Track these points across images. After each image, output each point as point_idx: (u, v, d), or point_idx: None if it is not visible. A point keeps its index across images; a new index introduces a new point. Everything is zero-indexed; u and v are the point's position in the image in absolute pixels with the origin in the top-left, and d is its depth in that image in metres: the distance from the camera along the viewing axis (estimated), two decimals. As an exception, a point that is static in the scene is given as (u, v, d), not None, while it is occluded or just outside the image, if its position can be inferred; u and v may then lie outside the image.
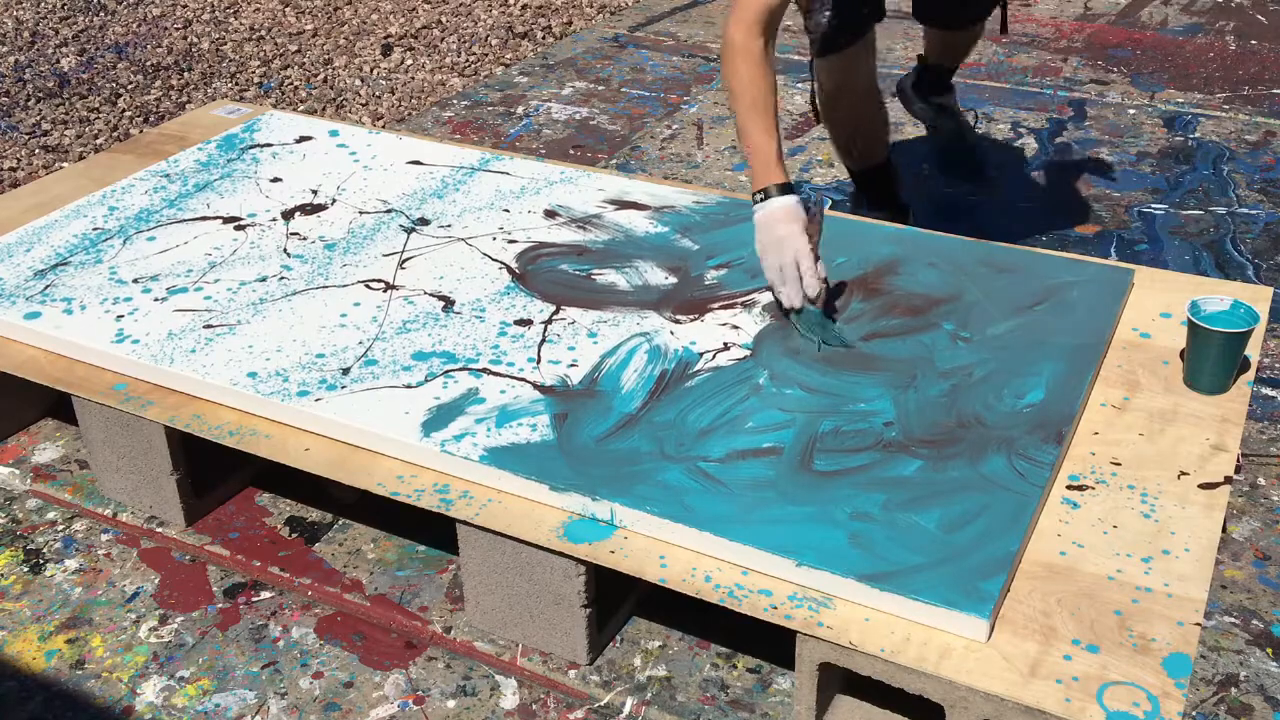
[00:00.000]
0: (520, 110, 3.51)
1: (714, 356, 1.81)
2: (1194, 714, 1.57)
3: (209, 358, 1.85)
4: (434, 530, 1.77)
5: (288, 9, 4.41)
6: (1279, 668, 1.64)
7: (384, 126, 3.40)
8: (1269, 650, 1.66)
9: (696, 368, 1.79)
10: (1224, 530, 1.83)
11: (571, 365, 1.80)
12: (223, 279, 2.06)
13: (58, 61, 3.93)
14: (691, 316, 1.91)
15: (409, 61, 3.93)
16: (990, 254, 2.07)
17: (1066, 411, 1.67)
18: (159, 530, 1.91)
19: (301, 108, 3.55)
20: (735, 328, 1.88)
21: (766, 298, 1.94)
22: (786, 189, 1.83)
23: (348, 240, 2.18)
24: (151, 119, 3.49)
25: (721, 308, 1.93)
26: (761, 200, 1.84)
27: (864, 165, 2.62)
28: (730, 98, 1.89)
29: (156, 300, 2.01)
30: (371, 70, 3.85)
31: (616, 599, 1.68)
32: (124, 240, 2.20)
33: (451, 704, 1.62)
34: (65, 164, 3.19)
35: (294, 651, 1.71)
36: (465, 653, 1.69)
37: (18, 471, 2.06)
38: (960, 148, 3.07)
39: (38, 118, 3.51)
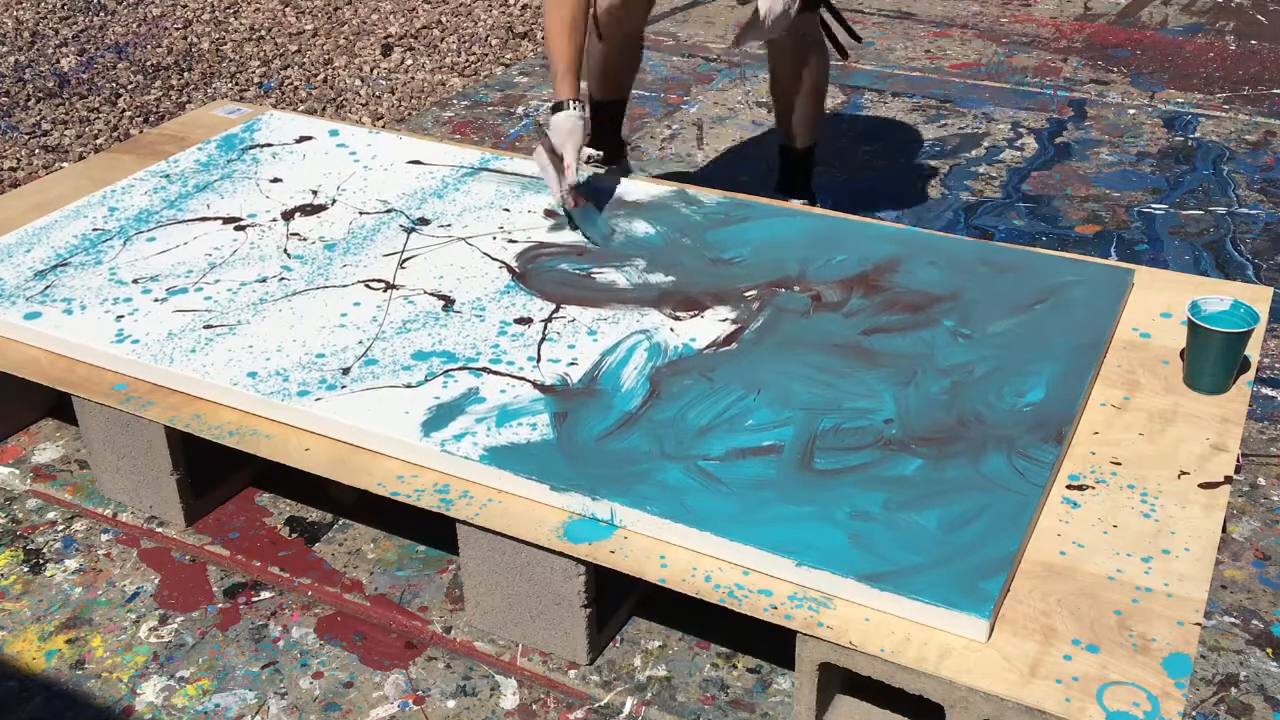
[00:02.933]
0: (520, 110, 3.51)
1: (714, 353, 1.81)
2: (1194, 714, 1.57)
3: (209, 358, 1.85)
4: (434, 530, 1.77)
5: (288, 9, 4.41)
6: (1279, 668, 1.64)
7: (384, 126, 3.40)
8: (1269, 650, 1.66)
9: (696, 365, 1.79)
10: (1224, 530, 1.82)
11: (571, 364, 1.80)
12: (223, 279, 2.06)
13: (58, 61, 3.93)
14: (691, 313, 1.91)
15: (409, 61, 3.93)
16: (990, 253, 2.07)
17: (1066, 411, 1.67)
18: (159, 530, 1.91)
19: (301, 108, 3.55)
20: (735, 324, 1.88)
21: (766, 296, 1.95)
22: (565, 105, 2.18)
23: (348, 240, 2.18)
24: (151, 119, 3.49)
25: (721, 305, 1.93)
26: (553, 111, 2.19)
27: (607, 97, 2.80)
28: (545, 18, 2.25)
29: (156, 301, 2.01)
30: (371, 70, 3.85)
31: (616, 599, 1.68)
32: (124, 241, 2.20)
33: (451, 704, 1.62)
34: (65, 164, 3.19)
35: (294, 651, 1.71)
36: (465, 653, 1.69)
37: (18, 471, 2.06)
38: None
39: (38, 118, 3.50)
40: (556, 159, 2.16)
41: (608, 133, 2.83)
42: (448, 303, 1.97)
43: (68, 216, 2.29)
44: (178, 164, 2.48)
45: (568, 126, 2.16)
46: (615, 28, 2.63)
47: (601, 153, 2.80)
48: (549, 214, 2.23)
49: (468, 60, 3.92)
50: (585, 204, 2.19)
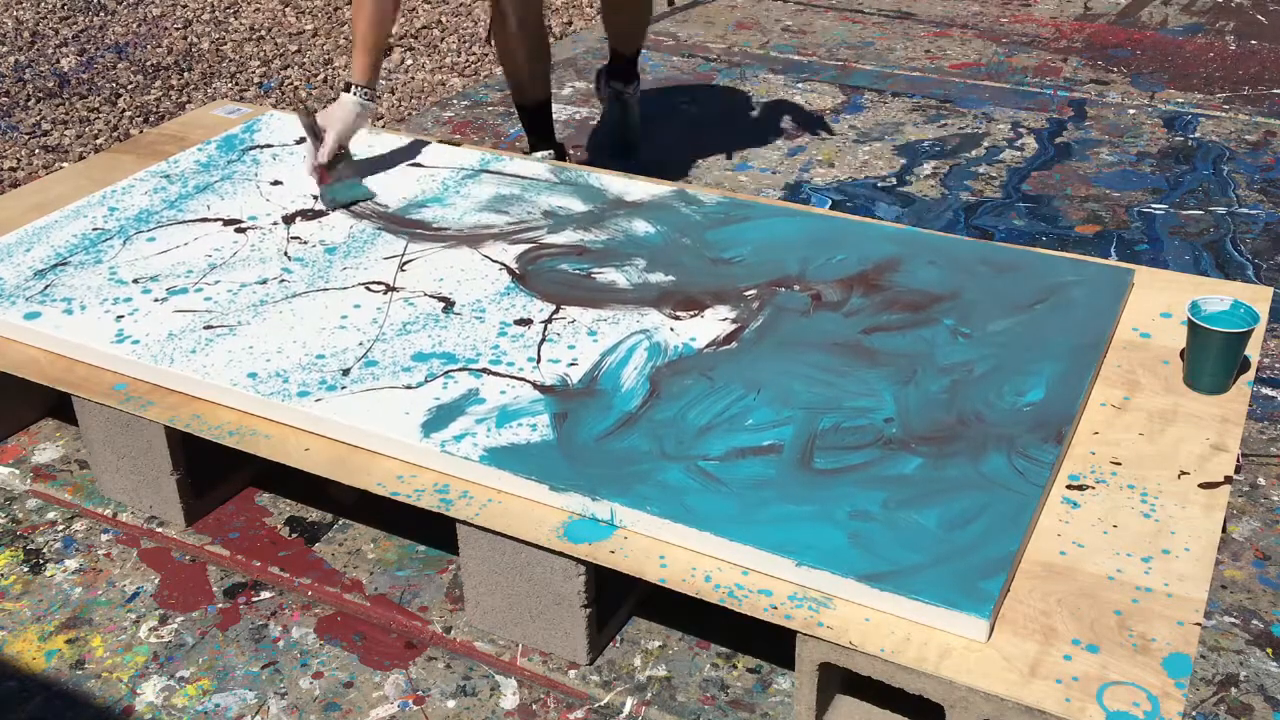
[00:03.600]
0: (520, 110, 3.51)
1: (714, 352, 1.81)
2: (1194, 714, 1.57)
3: (209, 358, 1.85)
4: (434, 530, 1.77)
5: (288, 9, 4.40)
6: (1279, 668, 1.64)
7: (384, 126, 3.40)
8: (1269, 650, 1.66)
9: (696, 364, 1.79)
10: (1224, 530, 1.83)
11: (571, 364, 1.81)
12: (223, 280, 2.06)
13: (58, 61, 3.93)
14: (691, 313, 1.92)
15: (409, 61, 3.93)
16: (990, 253, 2.07)
17: (1066, 411, 1.67)
18: (159, 530, 1.91)
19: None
20: (735, 324, 1.88)
21: (766, 296, 1.95)
22: (351, 88, 2.32)
23: (348, 243, 2.18)
24: (151, 119, 3.49)
25: (721, 305, 1.93)
26: (344, 90, 2.33)
27: (533, 100, 2.91)
28: (355, 8, 2.36)
29: (156, 301, 2.01)
30: (371, 70, 3.85)
31: (616, 599, 1.68)
32: (124, 241, 2.20)
33: (451, 704, 1.62)
34: (65, 164, 3.19)
35: (294, 651, 1.71)
36: (465, 653, 1.69)
37: (18, 471, 2.06)
38: (620, 135, 3.17)
39: (38, 118, 3.51)
40: (316, 136, 2.29)
41: (543, 131, 2.94)
42: (448, 304, 1.98)
43: (68, 216, 2.29)
44: (178, 164, 2.48)
45: (347, 109, 2.30)
46: (527, 21, 2.73)
47: (551, 151, 2.92)
48: (548, 214, 2.23)
49: (468, 60, 3.92)
50: (334, 180, 2.31)
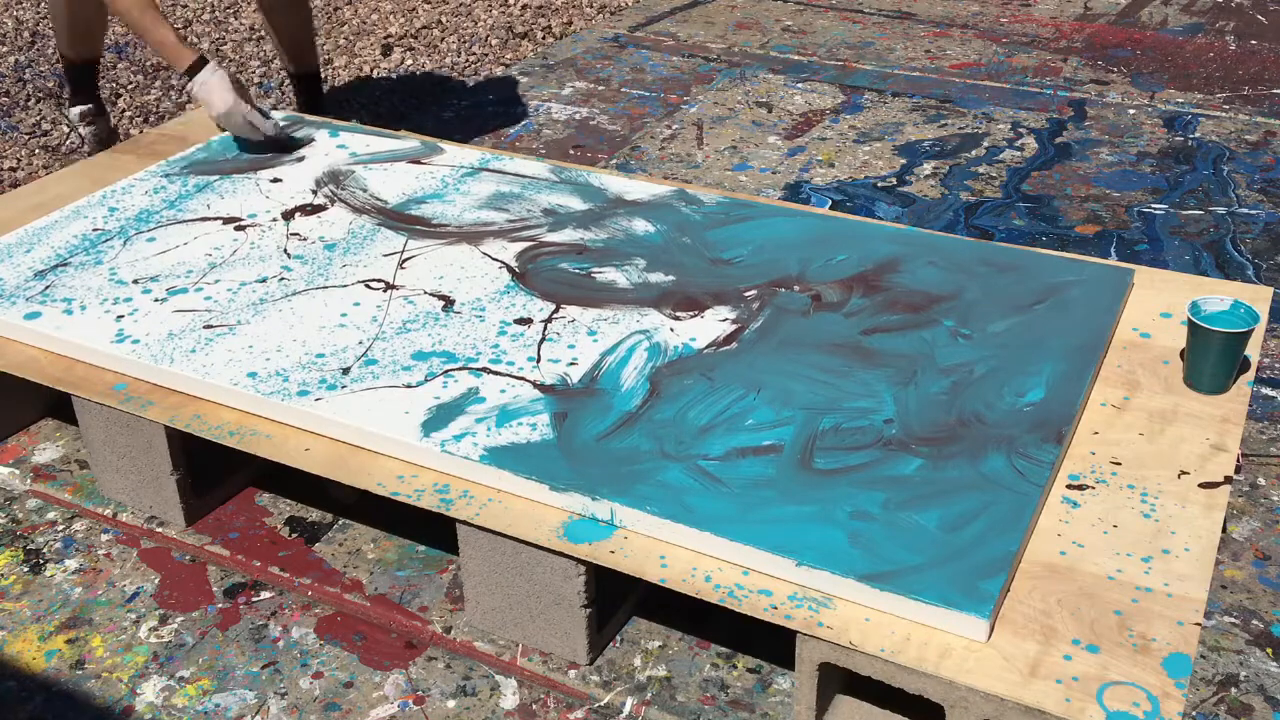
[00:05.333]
0: (519, 110, 3.51)
1: (714, 352, 1.81)
2: (1194, 714, 1.57)
3: (209, 358, 1.85)
4: (434, 530, 1.77)
5: (288, 9, 4.40)
6: (1279, 668, 1.64)
7: (384, 126, 3.40)
8: (1269, 650, 1.66)
9: (697, 364, 1.79)
10: (1224, 530, 1.83)
11: (571, 364, 1.81)
12: (223, 279, 2.06)
13: (58, 61, 3.93)
14: (691, 313, 1.92)
15: (409, 62, 3.93)
16: (990, 253, 2.07)
17: (1066, 411, 1.67)
18: (159, 530, 1.91)
19: (301, 108, 3.55)
20: (735, 324, 1.88)
21: (766, 296, 1.95)
22: (203, 62, 2.39)
23: (348, 240, 2.18)
24: (151, 119, 3.48)
25: (721, 305, 1.93)
26: (190, 78, 2.39)
27: (83, 58, 2.99)
28: (123, 14, 2.39)
29: (156, 301, 2.01)
30: (371, 70, 3.85)
31: (616, 599, 1.68)
32: (124, 241, 2.20)
33: (451, 704, 1.62)
34: (65, 164, 3.18)
35: (294, 651, 1.71)
36: (465, 653, 1.69)
37: (18, 471, 2.06)
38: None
39: (38, 118, 3.50)
40: (250, 111, 2.42)
41: (93, 92, 3.00)
42: (448, 303, 1.98)
43: (68, 216, 2.29)
44: (177, 164, 2.48)
45: (219, 80, 2.38)
46: None
47: (91, 106, 3.01)
48: (549, 214, 2.23)
49: (468, 60, 3.92)
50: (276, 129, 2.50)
